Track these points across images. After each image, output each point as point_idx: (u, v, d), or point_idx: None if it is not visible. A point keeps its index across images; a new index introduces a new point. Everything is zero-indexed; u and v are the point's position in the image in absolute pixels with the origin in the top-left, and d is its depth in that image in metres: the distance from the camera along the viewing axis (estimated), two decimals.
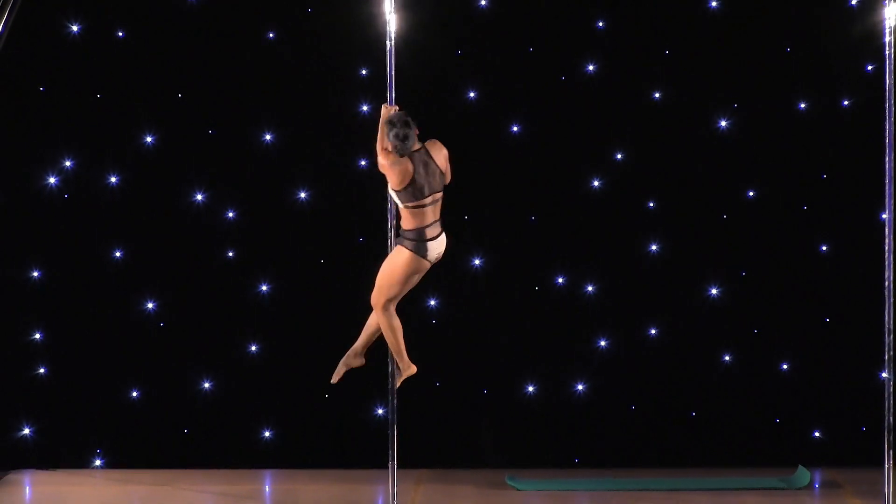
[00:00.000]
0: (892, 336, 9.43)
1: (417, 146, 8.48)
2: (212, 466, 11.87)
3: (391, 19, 8.72)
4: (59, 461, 11.75)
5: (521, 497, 10.91)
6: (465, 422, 12.01)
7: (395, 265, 8.58)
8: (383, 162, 8.43)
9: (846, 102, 12.03)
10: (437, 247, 8.59)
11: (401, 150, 8.41)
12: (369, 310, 8.84)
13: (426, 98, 11.63)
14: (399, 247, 8.57)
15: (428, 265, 8.61)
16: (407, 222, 8.52)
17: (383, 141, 8.47)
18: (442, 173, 8.57)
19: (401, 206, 8.51)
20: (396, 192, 8.48)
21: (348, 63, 11.85)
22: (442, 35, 11.82)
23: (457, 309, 12.00)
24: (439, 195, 8.56)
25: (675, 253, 12.04)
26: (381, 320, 8.69)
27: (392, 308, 8.67)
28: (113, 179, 11.71)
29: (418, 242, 8.51)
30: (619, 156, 12.02)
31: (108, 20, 11.71)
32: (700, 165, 12.04)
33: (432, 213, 8.56)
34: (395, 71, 8.76)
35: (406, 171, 8.40)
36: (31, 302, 11.72)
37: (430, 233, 8.54)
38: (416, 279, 8.65)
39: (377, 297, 8.65)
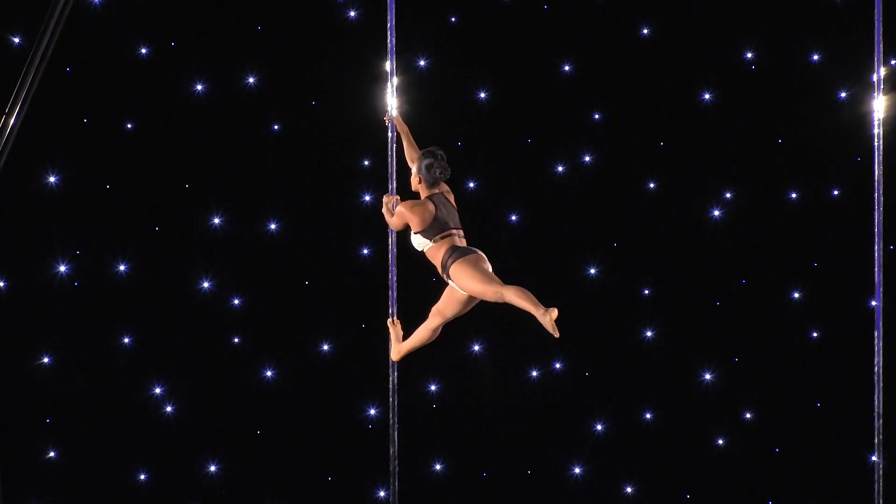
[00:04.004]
0: (881, 420, 9.58)
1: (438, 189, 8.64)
2: None
3: (392, 111, 8.90)
4: None
5: None
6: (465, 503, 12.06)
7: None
8: (402, 210, 8.46)
9: (836, 192, 12.20)
10: None
11: (431, 183, 8.55)
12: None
13: None
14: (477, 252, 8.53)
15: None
16: (439, 251, 8.46)
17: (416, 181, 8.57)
18: (455, 211, 8.66)
19: (428, 245, 8.50)
20: (421, 232, 8.50)
21: (351, 153, 11.99)
22: (442, 126, 11.89)
23: (456, 392, 12.07)
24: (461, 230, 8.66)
25: (669, 338, 12.16)
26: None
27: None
28: (122, 267, 11.76)
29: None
30: (615, 244, 12.20)
31: (117, 112, 11.80)
32: (694, 253, 12.20)
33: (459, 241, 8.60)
34: (396, 161, 8.91)
35: (428, 210, 8.47)
36: (40, 387, 11.70)
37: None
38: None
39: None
